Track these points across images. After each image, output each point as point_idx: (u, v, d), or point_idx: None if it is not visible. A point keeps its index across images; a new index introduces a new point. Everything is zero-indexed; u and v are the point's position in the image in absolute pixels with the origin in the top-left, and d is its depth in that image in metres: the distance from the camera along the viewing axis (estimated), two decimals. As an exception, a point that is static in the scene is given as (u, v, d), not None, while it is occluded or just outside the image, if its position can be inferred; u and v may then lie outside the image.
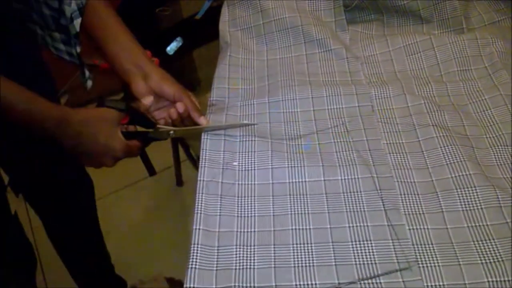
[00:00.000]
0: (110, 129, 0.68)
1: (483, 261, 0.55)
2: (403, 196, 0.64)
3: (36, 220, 1.13)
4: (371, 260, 0.56)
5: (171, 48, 1.10)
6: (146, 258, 1.46)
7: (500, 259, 0.55)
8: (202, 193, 0.65)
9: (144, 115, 0.72)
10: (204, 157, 0.70)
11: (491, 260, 0.55)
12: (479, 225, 0.59)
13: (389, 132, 0.73)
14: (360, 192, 0.65)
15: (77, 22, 0.72)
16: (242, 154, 0.71)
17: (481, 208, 0.60)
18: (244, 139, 0.73)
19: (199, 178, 0.67)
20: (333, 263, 0.57)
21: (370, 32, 0.96)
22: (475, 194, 0.62)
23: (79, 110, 0.67)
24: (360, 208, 0.63)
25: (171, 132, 0.73)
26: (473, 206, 0.61)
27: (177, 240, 1.41)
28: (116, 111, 0.68)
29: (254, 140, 0.72)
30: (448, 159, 0.67)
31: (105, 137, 0.67)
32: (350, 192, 0.65)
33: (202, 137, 0.73)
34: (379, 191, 0.64)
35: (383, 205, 0.62)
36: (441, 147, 0.69)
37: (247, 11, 0.97)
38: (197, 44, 1.17)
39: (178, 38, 1.12)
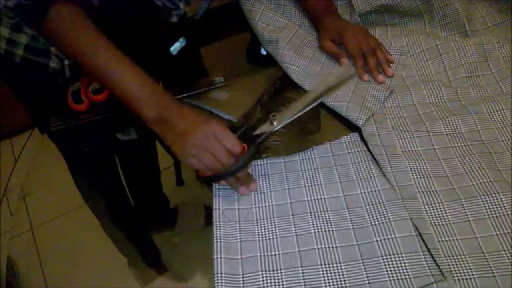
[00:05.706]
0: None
1: (517, 272, 0.50)
2: (426, 206, 0.58)
3: (36, 219, 1.04)
4: (404, 275, 0.51)
5: (175, 48, 1.03)
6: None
7: None
8: (220, 221, 0.59)
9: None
10: (217, 186, 0.64)
11: None
12: (508, 232, 0.54)
13: (403, 139, 0.68)
14: (383, 203, 0.59)
15: None
16: (256, 178, 0.65)
17: (507, 214, 0.56)
18: (256, 164, 0.67)
19: (214, 207, 0.61)
20: (366, 282, 0.51)
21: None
22: (499, 200, 0.57)
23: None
24: (385, 220, 0.57)
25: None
26: (499, 213, 0.56)
27: (177, 240, 1.34)
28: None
29: (267, 164, 0.67)
30: (467, 167, 0.62)
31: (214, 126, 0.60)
32: (373, 205, 0.59)
33: None
34: (402, 200, 0.59)
35: (408, 213, 0.57)
36: (457, 157, 0.64)
37: None
38: (197, 45, 1.09)
39: (181, 39, 1.04)
